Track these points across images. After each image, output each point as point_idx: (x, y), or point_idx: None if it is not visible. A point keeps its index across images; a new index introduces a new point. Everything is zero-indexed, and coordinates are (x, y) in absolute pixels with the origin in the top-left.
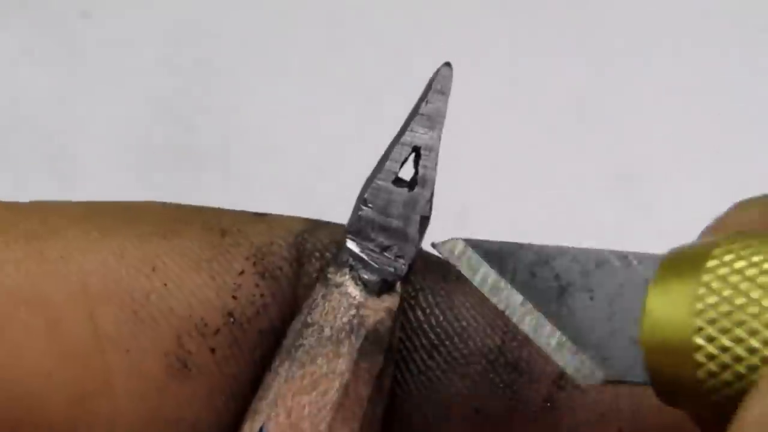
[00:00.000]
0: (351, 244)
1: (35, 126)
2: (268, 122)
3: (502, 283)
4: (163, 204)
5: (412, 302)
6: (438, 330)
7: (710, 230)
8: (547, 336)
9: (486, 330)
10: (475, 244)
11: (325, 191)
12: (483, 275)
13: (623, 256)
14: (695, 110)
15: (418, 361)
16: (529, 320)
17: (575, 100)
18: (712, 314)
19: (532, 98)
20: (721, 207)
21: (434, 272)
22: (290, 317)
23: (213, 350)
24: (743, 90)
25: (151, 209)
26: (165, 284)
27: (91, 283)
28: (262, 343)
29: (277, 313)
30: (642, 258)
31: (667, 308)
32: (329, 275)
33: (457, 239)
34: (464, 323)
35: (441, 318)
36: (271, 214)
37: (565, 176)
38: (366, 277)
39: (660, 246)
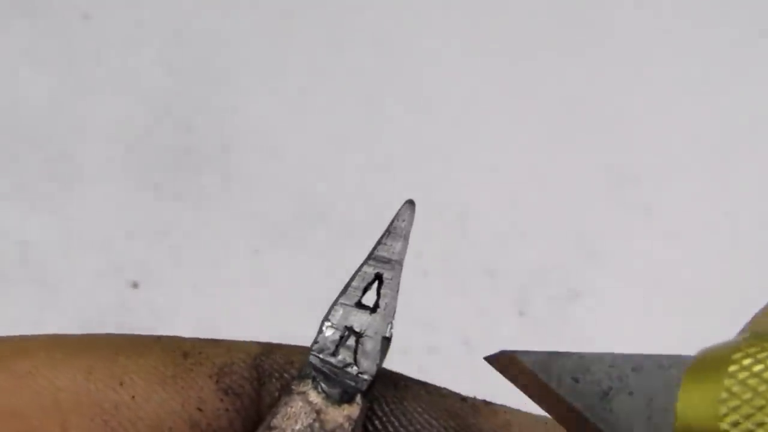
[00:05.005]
0: (314, 360)
1: (35, 126)
2: (268, 122)
3: (548, 391)
4: (122, 334)
5: (369, 413)
6: None
7: (746, 328)
8: None
9: (440, 431)
10: (522, 356)
11: (325, 191)
12: (531, 385)
13: (657, 360)
14: (695, 111)
15: None
16: (575, 425)
17: (575, 101)
18: (734, 417)
19: (532, 99)
20: (720, 207)
21: (386, 381)
22: (253, 430)
23: None
24: (742, 91)
25: (112, 337)
26: (133, 397)
27: (61, 398)
28: None
29: (241, 427)
30: (674, 361)
31: (695, 412)
32: (293, 386)
33: (505, 352)
34: (418, 426)
35: (397, 423)
36: (227, 340)
37: (565, 176)
38: (327, 388)
39: (659, 246)
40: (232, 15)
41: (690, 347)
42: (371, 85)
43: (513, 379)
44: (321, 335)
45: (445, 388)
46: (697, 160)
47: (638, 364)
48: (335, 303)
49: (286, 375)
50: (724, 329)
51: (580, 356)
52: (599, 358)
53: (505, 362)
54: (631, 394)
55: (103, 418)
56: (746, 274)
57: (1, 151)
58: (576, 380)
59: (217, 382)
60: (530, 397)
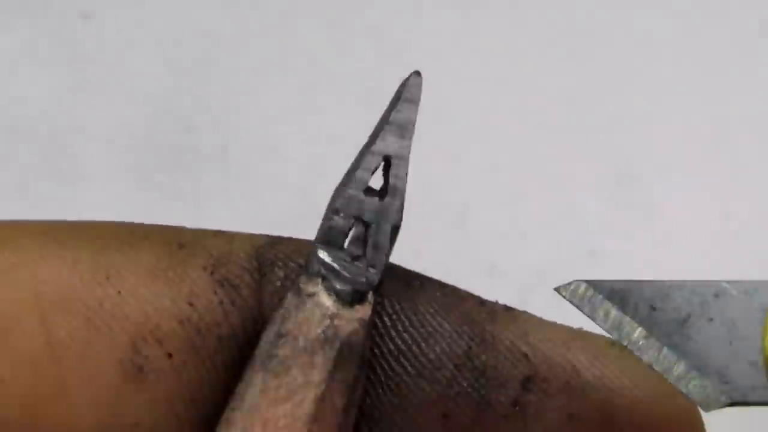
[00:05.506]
0: (322, 254)
1: (35, 126)
2: (268, 122)
3: (625, 320)
4: (124, 222)
5: (378, 308)
6: (404, 335)
7: None
8: (669, 366)
9: (452, 335)
10: (596, 285)
11: (325, 191)
12: (605, 313)
13: (740, 286)
14: (695, 111)
15: (386, 367)
16: (651, 353)
17: (576, 101)
18: None
19: (532, 98)
20: (721, 207)
21: (398, 279)
22: (253, 325)
23: (170, 355)
24: (742, 91)
25: (110, 226)
26: (119, 292)
27: (43, 292)
28: (222, 350)
29: (239, 321)
30: (759, 286)
31: None
32: (301, 285)
33: (578, 281)
34: (430, 329)
35: (407, 323)
36: (232, 231)
37: (565, 176)
38: (338, 287)
39: (660, 246)
40: (232, 15)
41: None
42: (371, 85)
43: (585, 309)
44: (326, 225)
45: (464, 290)
46: (697, 160)
47: (721, 290)
48: (341, 189)
49: (291, 264)
50: None
51: (660, 283)
52: (679, 285)
53: (577, 292)
54: (711, 320)
55: (87, 316)
56: (746, 274)
57: (1, 151)
58: (653, 308)
59: (212, 273)
60: (602, 327)
